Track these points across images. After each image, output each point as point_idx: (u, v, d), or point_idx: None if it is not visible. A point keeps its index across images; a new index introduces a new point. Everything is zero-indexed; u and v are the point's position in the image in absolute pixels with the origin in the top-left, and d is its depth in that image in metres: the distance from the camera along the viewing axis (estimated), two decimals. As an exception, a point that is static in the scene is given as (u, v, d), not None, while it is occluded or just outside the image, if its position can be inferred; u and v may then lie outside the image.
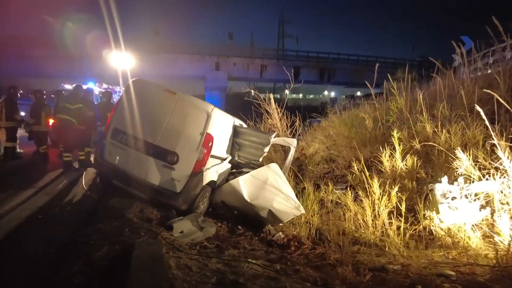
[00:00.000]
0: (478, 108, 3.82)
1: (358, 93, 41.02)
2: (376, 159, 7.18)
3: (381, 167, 5.53)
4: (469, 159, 4.38)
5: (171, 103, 4.36)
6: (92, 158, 6.77)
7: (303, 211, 4.50)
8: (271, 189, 4.59)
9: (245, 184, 4.64)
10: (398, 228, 4.11)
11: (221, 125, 4.75)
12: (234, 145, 5.28)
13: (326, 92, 59.40)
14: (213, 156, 4.51)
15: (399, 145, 5.37)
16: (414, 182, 5.11)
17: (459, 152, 4.46)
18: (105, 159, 4.51)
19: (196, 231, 4.04)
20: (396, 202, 4.11)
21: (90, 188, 5.31)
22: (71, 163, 6.44)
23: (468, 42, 16.37)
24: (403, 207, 4.09)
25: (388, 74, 7.46)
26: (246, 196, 4.58)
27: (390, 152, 5.45)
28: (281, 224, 4.72)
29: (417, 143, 5.77)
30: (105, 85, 13.60)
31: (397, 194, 4.28)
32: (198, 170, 4.25)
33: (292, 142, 6.42)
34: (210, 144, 4.30)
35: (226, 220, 4.91)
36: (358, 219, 4.52)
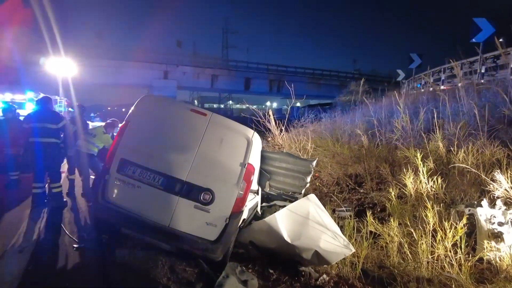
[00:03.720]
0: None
1: (298, 104, 42.65)
2: (375, 175, 7.00)
3: (404, 189, 5.23)
4: (507, 181, 4.28)
5: (201, 127, 3.45)
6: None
7: (353, 250, 3.90)
8: (315, 226, 3.91)
9: (282, 221, 3.89)
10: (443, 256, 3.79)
11: (258, 152, 3.97)
12: (262, 174, 4.48)
13: (268, 103, 61.14)
14: (250, 191, 3.71)
15: (424, 165, 5.16)
16: (441, 205, 4.90)
17: (497, 174, 4.35)
18: (108, 200, 3.39)
19: (242, 288, 3.22)
20: (462, 235, 3.74)
21: (79, 237, 3.91)
22: (43, 196, 4.85)
23: (416, 59, 17.81)
24: (463, 239, 3.76)
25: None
26: (286, 236, 3.83)
27: (412, 172, 5.21)
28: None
29: (431, 162, 5.65)
30: (42, 95, 11.81)
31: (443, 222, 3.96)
32: (238, 210, 3.40)
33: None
34: (252, 176, 3.49)
35: (251, 262, 4.13)
36: (404, 251, 4.12)
